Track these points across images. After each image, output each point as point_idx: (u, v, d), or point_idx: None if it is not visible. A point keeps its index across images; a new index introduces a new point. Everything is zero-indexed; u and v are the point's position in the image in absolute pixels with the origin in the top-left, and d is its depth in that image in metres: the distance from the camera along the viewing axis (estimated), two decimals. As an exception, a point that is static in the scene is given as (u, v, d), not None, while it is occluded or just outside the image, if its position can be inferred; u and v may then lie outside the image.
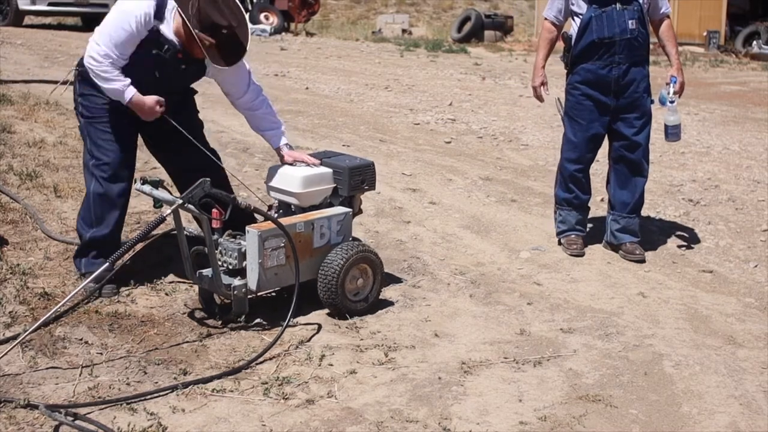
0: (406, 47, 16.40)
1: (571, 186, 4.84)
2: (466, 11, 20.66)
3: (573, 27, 4.69)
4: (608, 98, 4.65)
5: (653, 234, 5.23)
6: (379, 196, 5.54)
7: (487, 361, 3.43)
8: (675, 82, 4.71)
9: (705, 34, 18.12)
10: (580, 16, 4.61)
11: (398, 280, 4.27)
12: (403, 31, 20.18)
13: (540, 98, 4.89)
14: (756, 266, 4.77)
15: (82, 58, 3.84)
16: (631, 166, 4.76)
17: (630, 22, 4.55)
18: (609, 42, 4.55)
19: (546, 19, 4.81)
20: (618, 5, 4.55)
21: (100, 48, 3.69)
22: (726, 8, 18.70)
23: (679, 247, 5.05)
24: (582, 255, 4.78)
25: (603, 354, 3.56)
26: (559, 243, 4.91)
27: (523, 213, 5.54)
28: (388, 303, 3.95)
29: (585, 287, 4.33)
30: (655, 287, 4.38)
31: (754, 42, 17.46)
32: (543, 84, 4.83)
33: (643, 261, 4.72)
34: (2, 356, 3.14)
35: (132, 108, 3.78)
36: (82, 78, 3.89)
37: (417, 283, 4.26)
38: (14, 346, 3.19)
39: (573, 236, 4.86)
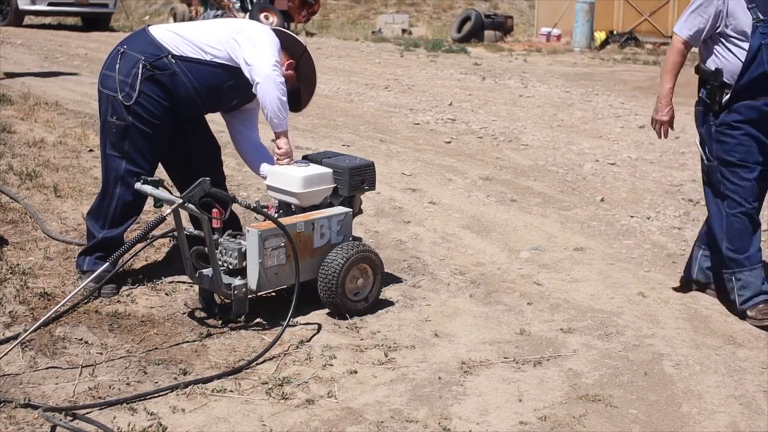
0: (405, 47, 16.40)
1: (745, 242, 3.94)
2: (466, 11, 20.66)
3: (722, 56, 3.87)
4: None
5: (653, 234, 5.23)
6: (379, 196, 5.53)
7: (487, 361, 3.43)
8: None
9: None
10: (739, 42, 3.80)
11: (398, 280, 4.27)
12: (403, 31, 20.18)
13: (664, 135, 4.09)
14: (756, 266, 4.76)
15: (152, 51, 3.75)
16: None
17: None
18: None
19: (679, 38, 3.94)
20: None
21: (274, 59, 3.75)
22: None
23: (679, 247, 5.05)
24: None
25: (603, 354, 3.56)
26: (744, 316, 3.97)
27: (523, 213, 5.54)
28: (388, 303, 3.95)
29: (585, 287, 4.33)
30: (655, 287, 4.37)
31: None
32: (671, 120, 4.04)
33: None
34: (2, 356, 3.14)
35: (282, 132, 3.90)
36: (151, 77, 3.73)
37: (417, 283, 4.26)
38: (14, 346, 3.19)
39: (763, 303, 3.93)
